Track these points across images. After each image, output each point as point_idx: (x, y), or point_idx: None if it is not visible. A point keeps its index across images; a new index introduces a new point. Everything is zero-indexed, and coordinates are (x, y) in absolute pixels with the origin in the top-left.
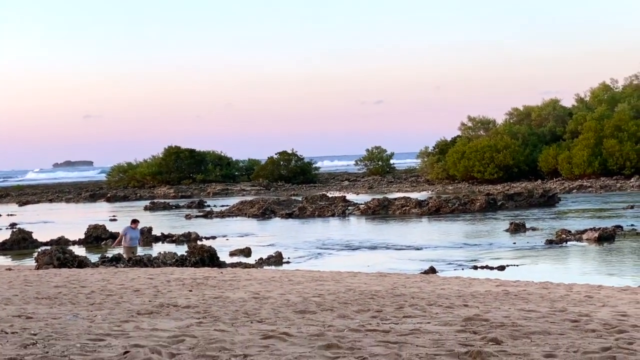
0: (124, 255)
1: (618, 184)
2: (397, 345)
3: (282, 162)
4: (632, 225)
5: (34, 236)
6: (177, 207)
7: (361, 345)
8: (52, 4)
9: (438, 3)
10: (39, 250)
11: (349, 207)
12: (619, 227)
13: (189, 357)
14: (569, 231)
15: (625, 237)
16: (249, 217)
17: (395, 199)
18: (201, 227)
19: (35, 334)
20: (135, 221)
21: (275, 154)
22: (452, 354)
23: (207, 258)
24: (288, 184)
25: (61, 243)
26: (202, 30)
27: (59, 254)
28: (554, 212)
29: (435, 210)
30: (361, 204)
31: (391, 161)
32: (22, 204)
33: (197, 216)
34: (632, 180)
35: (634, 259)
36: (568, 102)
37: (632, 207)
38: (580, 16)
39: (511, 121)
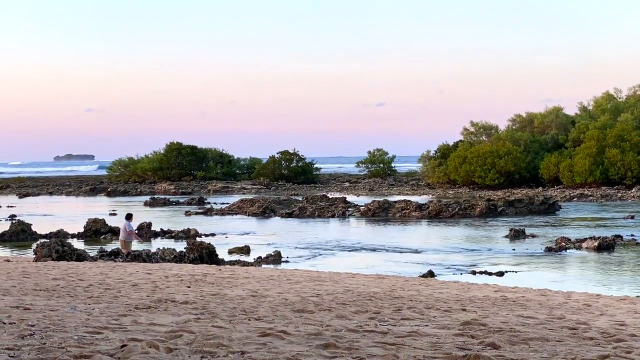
0: (122, 250)
1: (619, 194)
2: (394, 346)
3: (283, 162)
4: (632, 235)
5: (33, 228)
6: (177, 203)
7: (359, 346)
8: None
9: (443, 7)
10: (38, 242)
11: (349, 209)
12: (619, 236)
13: (187, 352)
14: (569, 239)
15: (625, 247)
16: (249, 215)
17: (395, 201)
18: (201, 224)
19: (32, 325)
20: (130, 216)
21: (277, 153)
22: (449, 357)
23: (206, 255)
24: (289, 184)
25: (60, 236)
26: (207, 28)
27: (57, 247)
28: (554, 219)
29: (435, 214)
30: (361, 206)
31: (392, 164)
32: (22, 195)
33: (197, 213)
34: (633, 190)
35: (633, 269)
36: (571, 110)
37: (632, 217)
38: (585, 25)
39: (514, 127)
